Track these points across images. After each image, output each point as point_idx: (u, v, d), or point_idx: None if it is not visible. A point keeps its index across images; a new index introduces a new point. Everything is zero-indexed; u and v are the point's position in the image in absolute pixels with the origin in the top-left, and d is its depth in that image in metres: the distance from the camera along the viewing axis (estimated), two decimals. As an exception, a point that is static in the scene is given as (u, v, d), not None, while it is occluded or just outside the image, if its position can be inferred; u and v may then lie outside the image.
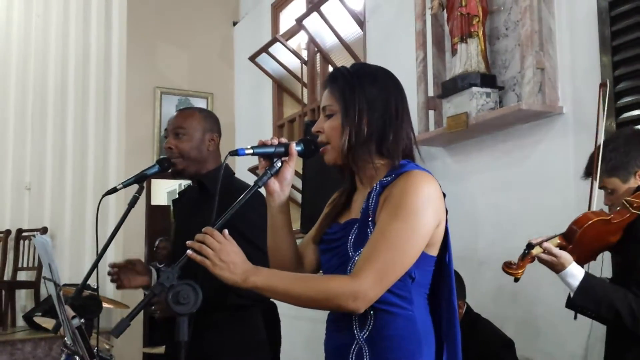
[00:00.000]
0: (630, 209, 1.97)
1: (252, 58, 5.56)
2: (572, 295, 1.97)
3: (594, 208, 2.17)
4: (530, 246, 1.99)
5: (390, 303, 1.45)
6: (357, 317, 1.46)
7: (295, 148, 1.54)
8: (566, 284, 1.97)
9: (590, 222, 1.98)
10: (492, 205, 3.34)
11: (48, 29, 6.39)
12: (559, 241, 2.02)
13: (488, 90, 3.19)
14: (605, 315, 1.95)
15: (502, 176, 3.28)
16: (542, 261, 1.99)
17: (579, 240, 1.99)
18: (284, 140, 1.57)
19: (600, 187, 2.15)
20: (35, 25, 6.43)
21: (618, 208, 2.02)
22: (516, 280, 2.03)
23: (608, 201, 2.12)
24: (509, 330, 2.89)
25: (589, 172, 2.15)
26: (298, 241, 1.68)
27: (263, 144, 1.54)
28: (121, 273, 2.23)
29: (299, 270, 1.62)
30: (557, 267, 1.97)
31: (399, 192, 1.44)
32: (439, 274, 1.53)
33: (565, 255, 1.96)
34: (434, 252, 1.50)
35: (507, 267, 2.03)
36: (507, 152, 3.25)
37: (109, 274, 2.24)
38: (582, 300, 1.95)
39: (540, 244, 1.99)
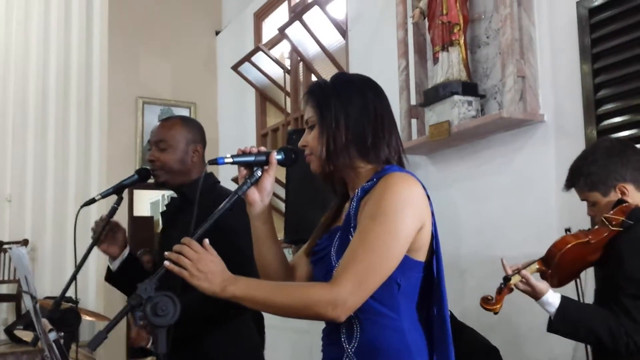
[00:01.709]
0: (610, 226, 1.96)
1: (235, 67, 5.55)
2: (552, 319, 1.98)
3: (575, 222, 2.17)
4: (506, 279, 1.98)
5: (376, 313, 1.41)
6: (344, 329, 1.44)
7: (275, 155, 1.53)
8: (545, 310, 1.98)
9: (568, 245, 1.98)
10: (474, 213, 3.34)
11: (28, 37, 6.33)
12: (537, 266, 2.02)
13: (470, 98, 3.20)
14: (585, 338, 1.97)
15: (484, 184, 3.29)
16: (519, 289, 1.99)
17: (558, 264, 1.99)
18: (263, 149, 1.56)
19: (582, 200, 2.15)
20: (15, 34, 6.37)
21: (597, 226, 2.02)
22: (495, 313, 2.02)
23: (591, 212, 2.12)
24: (493, 339, 2.88)
25: (569, 185, 2.14)
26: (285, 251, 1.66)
27: (243, 153, 1.53)
28: (108, 232, 2.23)
29: (288, 281, 1.60)
30: (533, 296, 1.98)
31: (377, 195, 1.41)
32: (429, 281, 1.49)
33: (539, 285, 1.96)
34: (421, 257, 1.46)
35: (485, 303, 2.01)
36: (489, 159, 3.26)
37: (93, 229, 2.24)
38: (561, 326, 1.96)
39: (518, 271, 1.98)
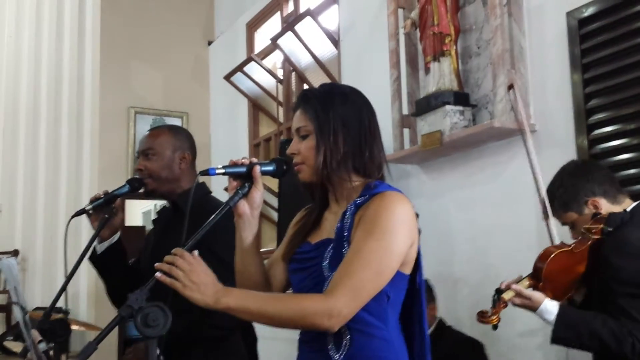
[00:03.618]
0: (590, 235, 1.99)
1: (228, 77, 5.55)
2: (553, 329, 1.96)
3: (566, 230, 2.19)
4: (499, 291, 1.99)
5: (366, 323, 1.44)
6: (332, 338, 1.45)
7: (258, 170, 1.53)
8: (544, 320, 1.97)
9: (552, 255, 2.00)
10: (467, 222, 3.35)
11: (20, 47, 6.32)
12: (528, 282, 2.02)
13: (461, 108, 3.21)
14: (589, 344, 1.94)
15: (476, 193, 3.30)
16: (516, 305, 1.99)
17: (547, 276, 1.99)
18: (255, 160, 1.56)
19: (562, 224, 2.20)
20: (7, 46, 6.36)
21: (579, 237, 2.05)
22: (494, 328, 2.01)
23: (574, 235, 2.15)
24: (487, 348, 2.88)
25: (545, 213, 2.20)
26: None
27: (234, 164, 1.53)
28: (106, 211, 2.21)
29: (267, 291, 1.61)
30: (531, 307, 1.97)
31: (373, 212, 1.44)
32: (411, 294, 1.53)
33: (536, 294, 1.96)
34: (408, 270, 1.50)
35: (482, 317, 2.01)
36: (481, 169, 3.27)
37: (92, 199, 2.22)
38: (564, 333, 1.95)
39: (509, 287, 1.99)
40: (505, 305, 1.99)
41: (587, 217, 2.07)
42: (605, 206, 2.07)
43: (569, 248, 2.01)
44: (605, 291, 1.94)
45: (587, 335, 1.91)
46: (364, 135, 1.52)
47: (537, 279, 2.01)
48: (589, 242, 1.99)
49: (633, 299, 1.88)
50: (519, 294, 1.97)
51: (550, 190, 2.19)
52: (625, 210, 2.04)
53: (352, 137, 1.51)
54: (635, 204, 2.08)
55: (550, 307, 1.95)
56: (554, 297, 1.99)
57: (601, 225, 1.98)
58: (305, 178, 1.55)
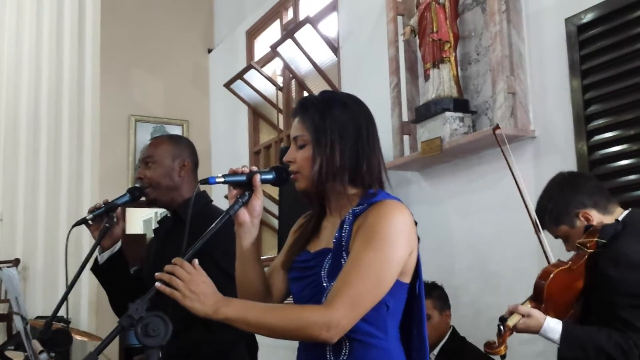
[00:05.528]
0: (585, 249, 1.98)
1: (228, 85, 5.56)
2: (558, 349, 1.94)
3: (552, 260, 2.16)
4: (503, 319, 1.96)
5: (365, 333, 1.43)
6: (330, 347, 1.44)
7: (258, 179, 1.52)
8: (549, 340, 1.95)
9: (552, 274, 1.98)
10: (467, 229, 3.34)
11: (20, 56, 6.33)
12: (529, 305, 2.00)
13: (461, 114, 3.21)
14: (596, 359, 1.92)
15: (476, 199, 3.30)
16: (519, 330, 1.95)
17: (549, 296, 1.97)
18: (255, 169, 1.56)
19: (555, 237, 2.18)
20: (7, 54, 6.37)
21: (575, 253, 2.04)
22: (503, 357, 1.97)
23: (568, 248, 2.14)
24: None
25: (537, 227, 2.17)
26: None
27: (234, 172, 1.53)
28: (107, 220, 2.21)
29: (268, 300, 1.60)
30: (534, 328, 1.94)
31: (372, 221, 1.43)
32: (411, 302, 1.52)
33: (536, 313, 1.94)
34: (407, 279, 1.49)
35: (489, 347, 1.98)
36: (481, 175, 3.27)
37: (90, 210, 2.23)
38: (569, 351, 1.93)
39: (512, 313, 1.96)
40: (512, 332, 1.96)
41: (580, 229, 2.06)
42: (597, 217, 2.05)
43: (567, 266, 1.99)
44: (606, 304, 1.93)
45: (593, 351, 1.89)
46: (361, 146, 1.51)
47: (539, 300, 1.99)
48: (586, 257, 1.98)
49: (635, 310, 1.87)
50: (518, 312, 1.94)
51: (540, 204, 2.17)
52: (617, 220, 2.03)
53: (349, 148, 1.50)
54: (625, 212, 2.07)
55: (554, 325, 1.93)
56: (556, 316, 1.97)
57: (595, 238, 1.97)
58: (301, 187, 1.54)
